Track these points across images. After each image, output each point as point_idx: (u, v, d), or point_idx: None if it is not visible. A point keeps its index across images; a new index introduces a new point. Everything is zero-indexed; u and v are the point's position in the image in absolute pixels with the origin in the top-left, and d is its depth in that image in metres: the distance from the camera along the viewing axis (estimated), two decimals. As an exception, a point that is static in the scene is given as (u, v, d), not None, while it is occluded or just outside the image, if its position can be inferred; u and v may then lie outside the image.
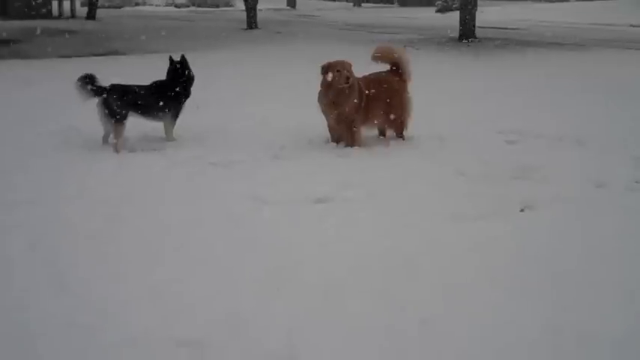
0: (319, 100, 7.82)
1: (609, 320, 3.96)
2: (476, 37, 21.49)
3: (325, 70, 7.64)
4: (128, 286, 4.35)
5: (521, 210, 5.82)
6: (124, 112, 7.61)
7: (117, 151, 7.51)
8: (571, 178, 6.69)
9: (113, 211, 5.65)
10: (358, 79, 7.78)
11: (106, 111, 7.56)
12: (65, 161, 7.19)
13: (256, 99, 10.76)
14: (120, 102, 7.57)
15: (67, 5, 34.00)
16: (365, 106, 7.76)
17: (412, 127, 8.22)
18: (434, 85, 11.75)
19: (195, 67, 8.04)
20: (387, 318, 3.99)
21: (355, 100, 7.65)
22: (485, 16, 30.37)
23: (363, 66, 7.98)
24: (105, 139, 7.80)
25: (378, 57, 8.22)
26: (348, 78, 7.48)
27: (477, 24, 22.05)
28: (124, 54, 17.75)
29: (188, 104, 8.08)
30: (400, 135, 8.21)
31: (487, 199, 6.00)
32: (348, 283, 4.41)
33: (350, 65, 7.61)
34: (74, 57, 16.72)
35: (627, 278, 4.53)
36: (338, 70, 7.52)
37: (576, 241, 5.14)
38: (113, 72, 9.44)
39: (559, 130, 8.54)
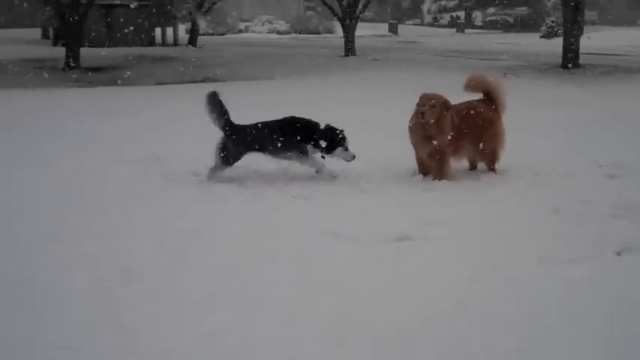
0: (411, 131, 7.49)
1: None
2: (580, 64, 20.78)
3: (424, 103, 7.27)
4: (185, 328, 4.13)
5: (618, 253, 5.34)
6: (237, 156, 7.46)
7: (209, 179, 7.36)
8: (677, 218, 6.13)
9: (182, 247, 5.45)
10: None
11: (223, 153, 7.39)
12: (141, 191, 7.09)
13: (344, 128, 10.46)
14: (236, 146, 7.40)
15: (170, 32, 34.72)
16: (454, 136, 7.39)
17: (505, 160, 7.83)
18: (532, 115, 11.36)
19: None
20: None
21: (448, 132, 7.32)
22: (591, 41, 29.42)
23: (459, 95, 7.66)
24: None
25: (470, 86, 7.87)
26: (446, 108, 7.18)
27: (582, 50, 21.33)
28: (221, 80, 17.85)
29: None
30: (492, 168, 7.80)
31: (581, 241, 5.55)
32: (422, 331, 4.09)
33: (445, 98, 7.29)
34: (170, 84, 16.91)
35: None
36: (434, 105, 7.21)
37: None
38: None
39: (665, 165, 7.96)
